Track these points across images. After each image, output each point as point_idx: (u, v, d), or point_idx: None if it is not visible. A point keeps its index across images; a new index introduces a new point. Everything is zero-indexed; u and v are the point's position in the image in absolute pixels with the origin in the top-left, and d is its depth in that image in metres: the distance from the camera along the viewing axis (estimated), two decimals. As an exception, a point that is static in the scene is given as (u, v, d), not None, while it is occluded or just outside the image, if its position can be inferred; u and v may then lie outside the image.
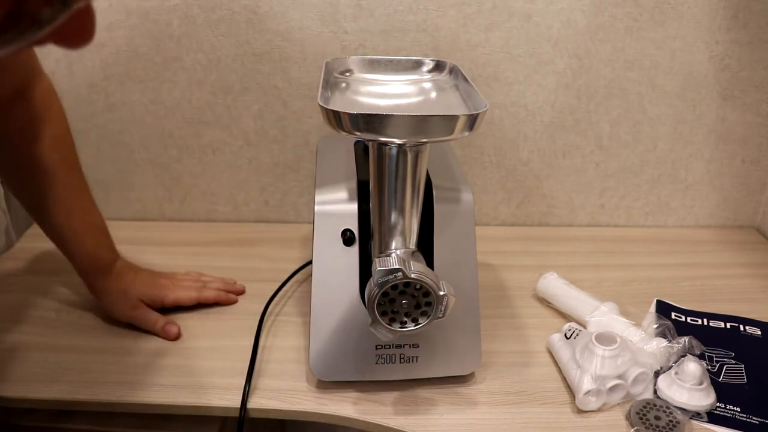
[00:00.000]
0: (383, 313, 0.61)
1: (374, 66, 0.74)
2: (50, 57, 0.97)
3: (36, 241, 1.02)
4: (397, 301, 0.61)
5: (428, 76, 0.74)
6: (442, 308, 0.61)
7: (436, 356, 0.71)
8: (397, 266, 0.59)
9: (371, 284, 0.60)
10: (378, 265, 0.60)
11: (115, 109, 1.01)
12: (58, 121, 0.75)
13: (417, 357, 0.71)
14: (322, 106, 0.58)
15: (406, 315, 0.62)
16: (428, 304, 0.61)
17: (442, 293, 0.60)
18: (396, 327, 0.62)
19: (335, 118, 0.57)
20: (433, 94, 0.70)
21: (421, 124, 0.57)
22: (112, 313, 0.82)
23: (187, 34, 0.96)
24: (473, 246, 0.71)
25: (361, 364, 0.71)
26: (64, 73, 0.98)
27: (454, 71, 0.73)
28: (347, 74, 0.74)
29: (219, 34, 0.95)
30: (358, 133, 0.57)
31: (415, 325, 0.62)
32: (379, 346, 0.70)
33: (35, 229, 1.06)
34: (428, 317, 0.62)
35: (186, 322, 0.83)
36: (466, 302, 0.71)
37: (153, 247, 1.01)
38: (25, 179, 0.75)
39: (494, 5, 0.94)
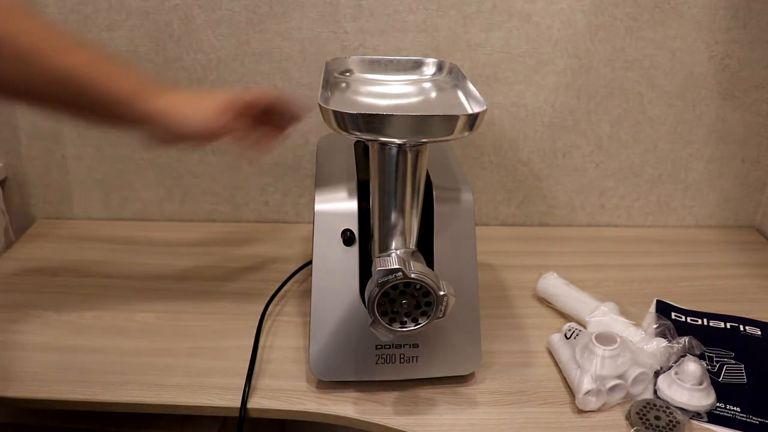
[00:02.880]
0: (383, 313, 0.61)
1: (374, 66, 0.74)
2: (50, 57, 0.97)
3: (36, 241, 1.02)
4: (397, 301, 0.61)
5: (428, 76, 0.74)
6: (442, 308, 0.61)
7: (436, 356, 0.71)
8: (397, 266, 0.59)
9: (371, 284, 0.60)
10: (378, 265, 0.60)
11: (115, 109, 1.01)
12: None
13: (417, 357, 0.71)
14: (322, 106, 0.58)
15: (406, 315, 0.62)
16: (428, 304, 0.61)
17: (442, 293, 0.60)
18: (396, 327, 0.62)
19: (335, 118, 0.57)
20: (433, 94, 0.70)
21: (422, 124, 0.57)
22: (190, 128, 0.64)
23: (187, 34, 0.96)
24: (473, 246, 0.71)
25: (361, 364, 0.71)
26: (64, 73, 0.98)
27: (453, 71, 0.73)
28: (347, 74, 0.74)
29: (219, 34, 0.95)
30: (357, 133, 0.57)
31: (415, 325, 0.62)
32: (379, 346, 0.70)
33: (35, 229, 1.06)
34: (428, 317, 0.62)
35: (186, 322, 0.83)
36: (466, 302, 0.71)
37: (153, 247, 1.01)
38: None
39: (494, 5, 0.94)
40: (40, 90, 0.61)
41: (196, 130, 0.65)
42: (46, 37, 0.59)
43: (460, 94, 0.68)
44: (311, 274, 0.70)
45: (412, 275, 0.59)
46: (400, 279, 0.59)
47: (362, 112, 0.56)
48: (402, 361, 0.71)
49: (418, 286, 0.60)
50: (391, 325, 0.62)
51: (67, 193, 1.08)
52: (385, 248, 0.64)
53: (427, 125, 0.57)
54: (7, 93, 0.62)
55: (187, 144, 0.67)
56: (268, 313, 0.85)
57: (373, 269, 0.61)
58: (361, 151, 0.79)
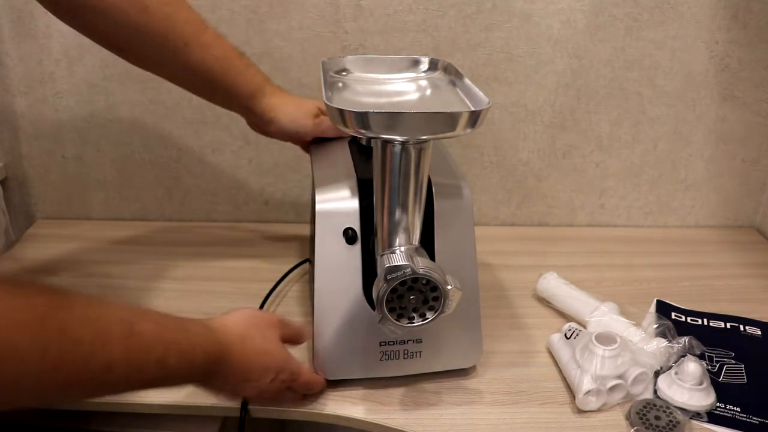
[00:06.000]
0: (391, 310, 0.61)
1: (369, 65, 0.74)
2: (50, 57, 0.97)
3: (36, 241, 1.02)
4: (405, 297, 0.61)
5: (423, 74, 0.74)
6: (449, 302, 0.61)
7: (439, 350, 0.72)
8: (406, 262, 0.60)
9: (379, 281, 0.61)
10: (385, 262, 0.60)
11: (115, 109, 1.01)
12: None
13: (420, 352, 0.71)
14: (328, 105, 0.58)
15: (414, 310, 0.62)
16: (435, 298, 0.61)
17: (449, 287, 0.61)
18: (404, 323, 0.62)
19: (343, 117, 0.57)
20: (428, 92, 0.70)
21: (431, 121, 0.57)
22: (291, 125, 0.79)
23: (187, 34, 0.95)
24: (472, 239, 0.72)
25: (366, 361, 0.71)
26: (64, 73, 0.98)
27: (448, 69, 0.73)
28: (343, 74, 0.73)
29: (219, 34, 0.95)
30: (364, 131, 0.57)
31: (422, 321, 0.62)
32: (383, 343, 0.70)
33: (35, 229, 1.06)
34: (435, 311, 0.62)
35: (186, 321, 0.83)
36: (467, 294, 0.70)
37: (153, 247, 1.01)
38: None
39: (494, 5, 0.94)
40: (178, 76, 0.76)
41: (295, 128, 0.80)
42: (194, 33, 0.73)
43: (458, 91, 0.68)
44: (309, 273, 0.70)
45: (421, 270, 0.59)
46: (409, 275, 0.59)
47: (371, 111, 0.56)
48: (406, 356, 0.71)
49: (425, 281, 0.60)
50: (399, 321, 0.62)
51: (67, 193, 1.08)
52: (389, 245, 0.64)
53: (435, 122, 0.57)
54: (149, 70, 0.76)
55: (281, 138, 0.82)
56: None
57: (379, 267, 0.61)
58: (357, 149, 0.79)
